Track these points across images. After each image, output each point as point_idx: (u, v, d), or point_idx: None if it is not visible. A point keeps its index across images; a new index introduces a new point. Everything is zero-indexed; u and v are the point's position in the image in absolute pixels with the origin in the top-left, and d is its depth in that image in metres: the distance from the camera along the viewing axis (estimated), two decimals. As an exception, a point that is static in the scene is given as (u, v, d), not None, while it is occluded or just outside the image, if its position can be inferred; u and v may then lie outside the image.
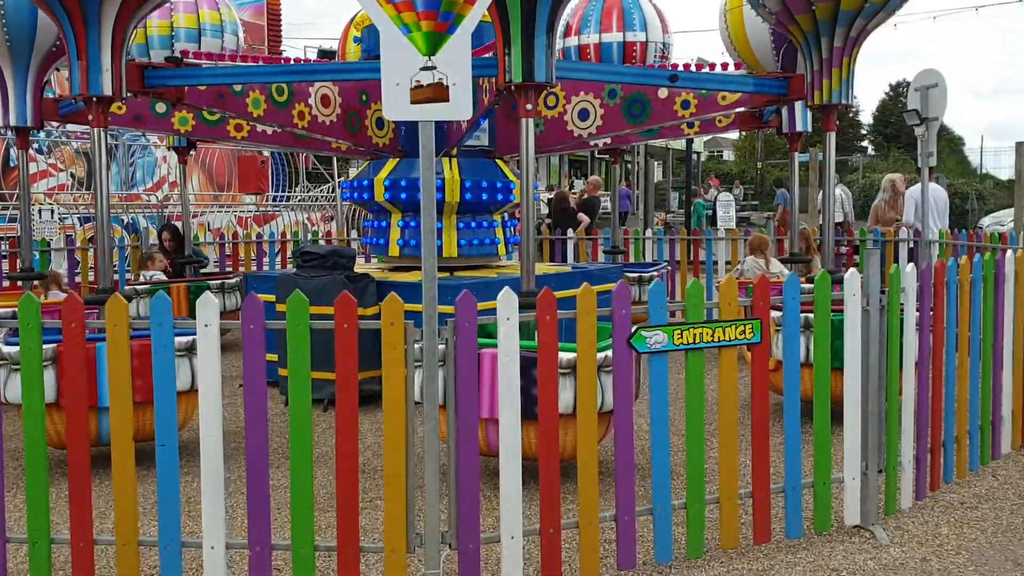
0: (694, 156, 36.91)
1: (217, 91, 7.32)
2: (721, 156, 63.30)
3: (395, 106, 3.37)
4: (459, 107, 3.36)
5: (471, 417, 3.65)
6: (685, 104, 7.28)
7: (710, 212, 24.50)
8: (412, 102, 3.35)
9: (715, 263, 11.83)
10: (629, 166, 39.78)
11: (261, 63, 7.98)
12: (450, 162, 7.60)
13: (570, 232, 12.99)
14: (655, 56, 10.68)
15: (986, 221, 18.27)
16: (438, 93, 3.34)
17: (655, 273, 9.89)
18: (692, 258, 12.33)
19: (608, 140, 9.54)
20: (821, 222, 7.27)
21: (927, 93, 8.72)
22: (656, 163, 38.86)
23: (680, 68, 7.04)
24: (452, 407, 3.63)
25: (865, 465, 4.41)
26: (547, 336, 3.76)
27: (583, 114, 7.72)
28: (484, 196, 7.67)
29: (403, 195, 7.53)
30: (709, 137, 53.47)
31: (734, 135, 54.67)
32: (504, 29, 5.58)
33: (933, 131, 8.88)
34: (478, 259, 7.93)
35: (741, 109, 7.35)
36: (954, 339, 5.02)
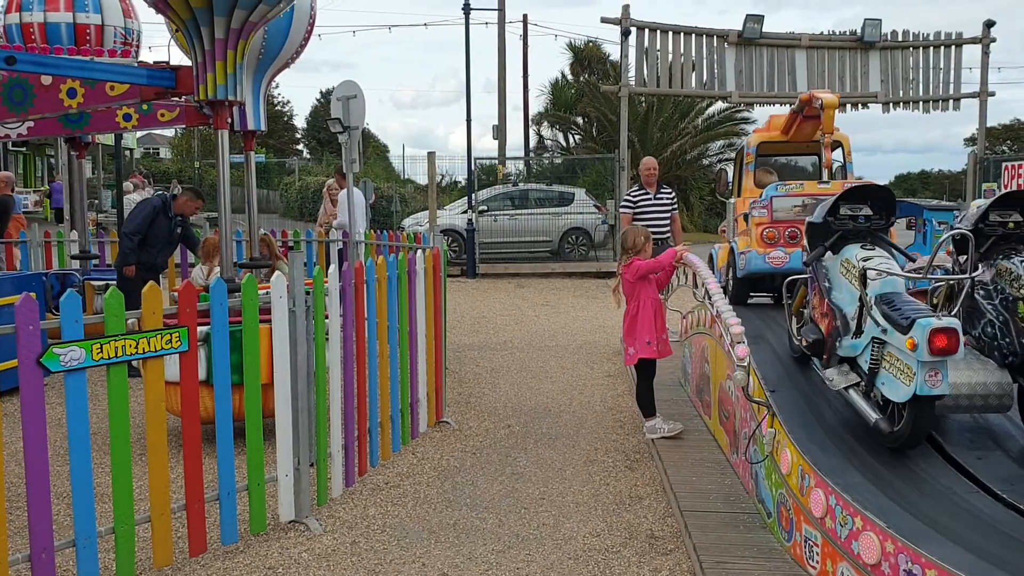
0: (127, 152, 34.86)
1: None
2: (158, 153, 60.71)
3: None
4: None
5: None
6: (71, 92, 6.50)
7: None
8: None
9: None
10: (52, 160, 36.09)
11: None
12: None
13: (-23, 236, 11.36)
14: (114, 41, 9.75)
15: (408, 222, 20.18)
16: None
17: None
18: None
19: (23, 131, 8.47)
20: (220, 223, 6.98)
21: (348, 103, 9.29)
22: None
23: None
24: None
25: (297, 460, 4.57)
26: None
27: None
28: None
29: None
30: (144, 133, 50.83)
31: (171, 132, 52.86)
32: None
33: (355, 139, 9.52)
34: None
35: (133, 100, 6.72)
36: (375, 332, 5.45)
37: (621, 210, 8.95)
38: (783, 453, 4.29)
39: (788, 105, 17.54)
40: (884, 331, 4.14)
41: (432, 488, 5.22)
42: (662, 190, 8.99)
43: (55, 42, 9.28)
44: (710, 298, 5.50)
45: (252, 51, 7.92)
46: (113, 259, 11.62)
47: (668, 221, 8.92)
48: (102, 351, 3.68)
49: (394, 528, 4.60)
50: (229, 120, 6.28)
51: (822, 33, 17.48)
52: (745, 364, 4.61)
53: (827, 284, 4.91)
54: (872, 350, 4.24)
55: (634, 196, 8.90)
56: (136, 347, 3.80)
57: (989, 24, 17.66)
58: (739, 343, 4.68)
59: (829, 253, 4.92)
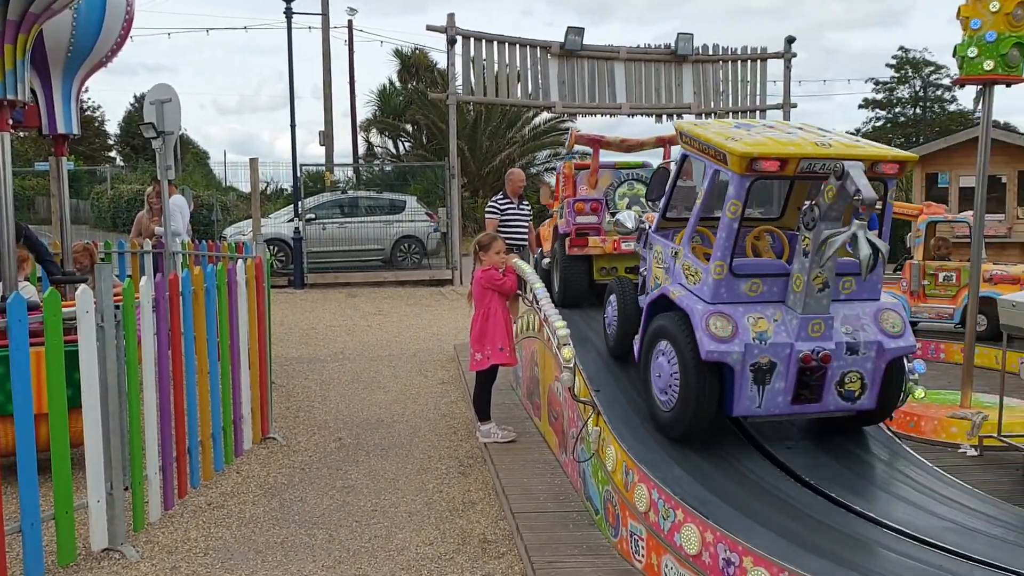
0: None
1: None
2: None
3: None
4: None
5: None
6: None
7: None
8: None
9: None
10: None
11: None
12: None
13: None
14: None
15: (230, 231, 19.38)
16: None
17: None
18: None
19: None
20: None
21: (162, 107, 8.85)
22: None
23: None
24: None
25: (110, 485, 4.29)
26: None
27: None
28: None
29: None
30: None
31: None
32: None
33: (170, 144, 9.06)
34: None
35: None
36: (192, 346, 5.20)
37: (488, 216, 9.12)
38: (608, 450, 4.40)
39: (609, 116, 18.28)
40: None
41: (258, 507, 5.03)
42: (523, 202, 9.26)
43: None
44: (537, 302, 5.58)
45: (58, 48, 7.39)
46: None
47: (527, 230, 9.22)
48: None
49: (217, 550, 4.40)
50: (10, 121, 5.70)
51: (639, 46, 18.19)
52: (571, 365, 4.70)
53: None
54: None
55: (500, 204, 9.10)
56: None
57: (790, 40, 18.96)
58: (565, 345, 4.78)
59: None
